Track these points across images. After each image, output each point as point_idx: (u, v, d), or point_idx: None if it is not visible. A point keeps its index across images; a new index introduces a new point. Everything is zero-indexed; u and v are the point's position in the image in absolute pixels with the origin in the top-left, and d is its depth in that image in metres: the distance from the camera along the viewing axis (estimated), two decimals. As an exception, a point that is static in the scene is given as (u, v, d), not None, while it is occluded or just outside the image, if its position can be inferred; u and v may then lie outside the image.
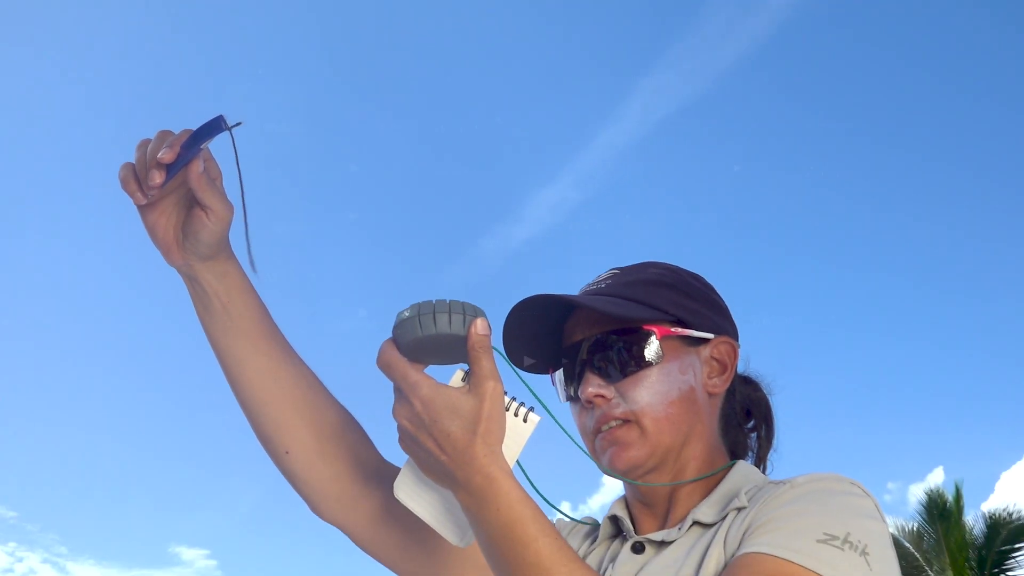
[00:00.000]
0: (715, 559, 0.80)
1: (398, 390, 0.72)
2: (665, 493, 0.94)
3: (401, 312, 0.71)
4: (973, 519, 15.87)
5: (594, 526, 1.03)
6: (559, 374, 0.96)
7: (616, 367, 0.89)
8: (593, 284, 0.97)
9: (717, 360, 0.95)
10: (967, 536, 15.56)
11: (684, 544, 0.86)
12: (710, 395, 0.94)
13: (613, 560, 0.92)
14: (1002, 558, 15.34)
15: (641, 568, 0.88)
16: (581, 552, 1.02)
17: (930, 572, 15.76)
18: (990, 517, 15.58)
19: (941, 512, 15.77)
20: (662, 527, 0.92)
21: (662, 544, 0.88)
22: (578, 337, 0.92)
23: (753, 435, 1.03)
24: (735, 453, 0.99)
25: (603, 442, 0.90)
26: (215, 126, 0.77)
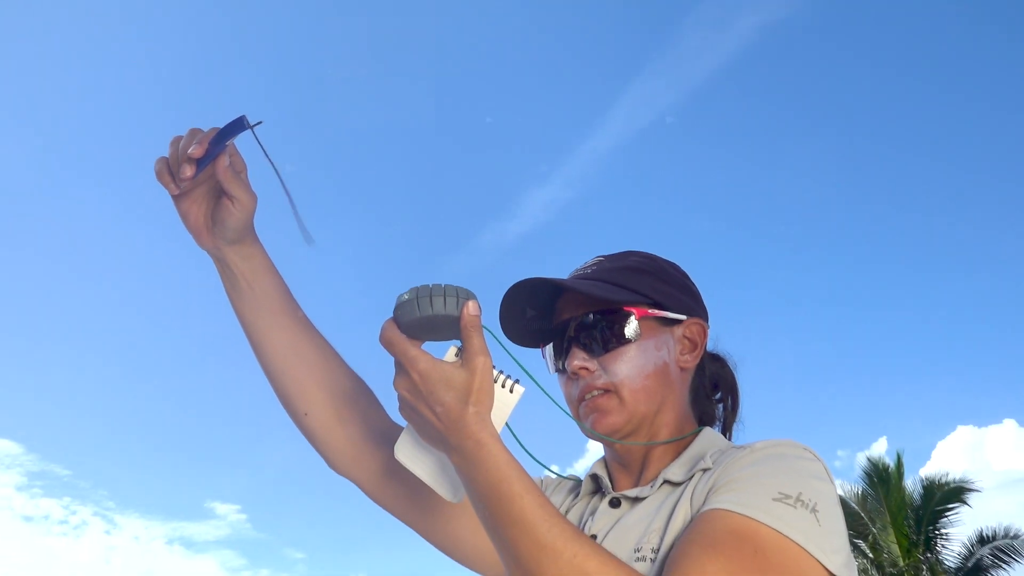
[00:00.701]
0: (682, 515, 0.86)
1: (398, 364, 0.77)
2: (639, 454, 1.00)
3: (401, 295, 0.76)
4: (912, 483, 16.36)
5: (577, 483, 1.10)
6: (549, 349, 1.03)
7: (599, 343, 0.95)
8: (581, 269, 1.03)
9: (689, 339, 1.02)
10: (906, 498, 16.00)
11: (655, 500, 0.92)
12: (682, 370, 1.01)
13: (592, 513, 0.99)
14: (936, 517, 15.78)
15: (617, 521, 0.95)
16: (564, 506, 1.09)
17: (873, 529, 16.12)
18: (926, 481, 16.10)
19: (883, 477, 16.21)
20: (636, 485, 0.99)
21: (636, 500, 0.95)
22: (566, 316, 0.98)
23: (720, 406, 1.10)
24: (703, 421, 1.06)
25: (586, 409, 0.96)
26: (238, 125, 0.84)
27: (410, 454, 0.85)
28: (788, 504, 0.79)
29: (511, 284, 0.97)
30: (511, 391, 0.80)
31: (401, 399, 0.78)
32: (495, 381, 0.77)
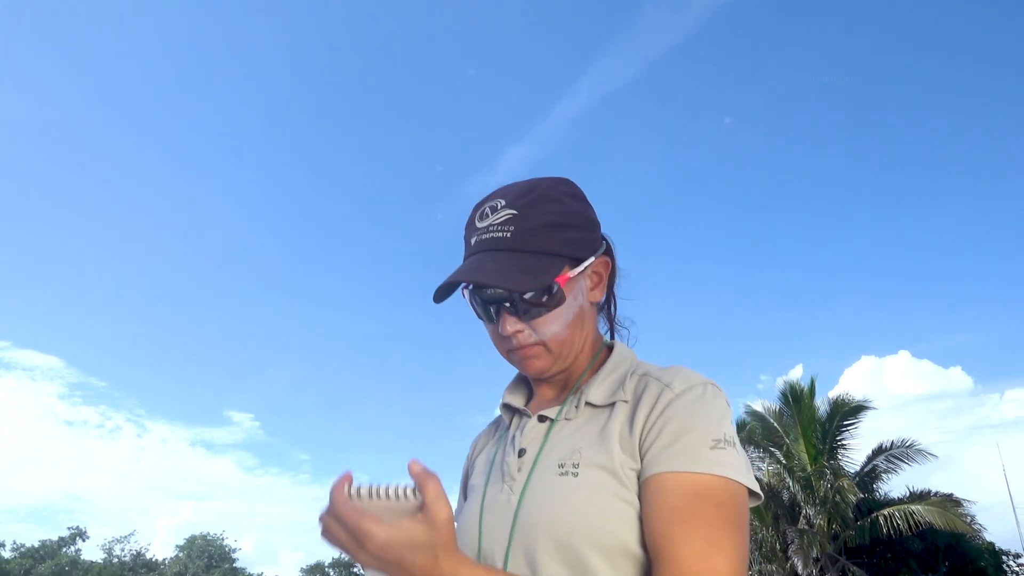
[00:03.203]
0: (604, 443, 0.91)
1: (353, 536, 0.70)
2: (561, 379, 1.05)
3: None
4: (821, 403, 17.53)
5: (499, 417, 1.14)
6: (471, 297, 1.02)
7: (528, 312, 0.97)
8: (494, 227, 0.97)
9: (596, 273, 1.04)
10: (815, 415, 17.25)
11: (579, 422, 0.98)
12: (592, 303, 1.05)
13: (521, 430, 1.03)
14: (839, 430, 17.12)
15: (546, 436, 0.99)
16: (492, 441, 1.14)
17: (787, 440, 17.29)
18: (833, 401, 17.37)
19: (797, 397, 17.36)
20: (558, 402, 1.04)
21: (562, 420, 0.99)
22: (497, 290, 0.96)
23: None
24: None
25: (517, 356, 1.01)
26: None
27: None
28: (720, 448, 0.86)
29: (443, 280, 0.96)
30: (413, 496, 0.71)
31: (365, 566, 0.74)
32: (387, 496, 0.71)
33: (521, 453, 1.00)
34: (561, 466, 0.92)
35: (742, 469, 0.87)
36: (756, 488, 0.89)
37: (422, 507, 0.71)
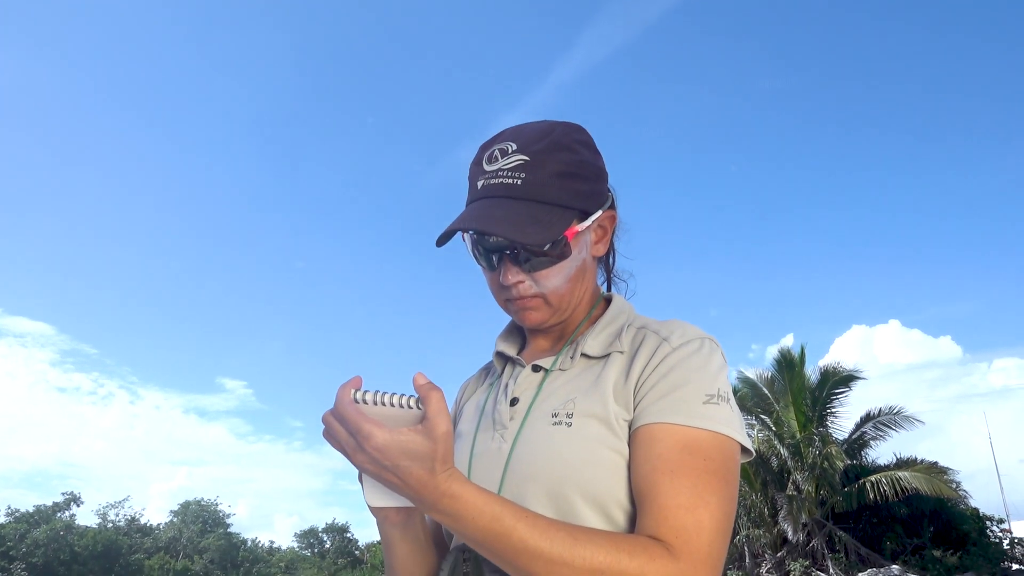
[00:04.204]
0: (599, 392, 0.90)
1: (352, 437, 0.72)
2: (557, 330, 1.04)
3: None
4: (811, 371, 17.88)
5: (490, 363, 1.12)
6: (471, 242, 0.98)
7: (531, 264, 0.95)
8: (504, 173, 0.93)
9: (601, 227, 1.01)
10: (805, 383, 17.59)
11: (574, 372, 0.96)
12: (595, 257, 1.03)
13: (514, 378, 1.01)
14: (829, 398, 17.47)
15: (540, 385, 0.97)
16: (482, 387, 1.11)
17: (777, 407, 17.68)
18: (823, 369, 17.65)
19: (789, 364, 17.72)
20: (553, 352, 1.02)
21: (558, 370, 0.98)
22: (501, 238, 0.92)
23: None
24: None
25: (515, 306, 0.99)
26: None
27: (379, 495, 0.83)
28: (714, 403, 0.85)
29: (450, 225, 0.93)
30: (418, 407, 0.73)
31: (363, 469, 0.75)
32: (391, 404, 0.73)
33: (514, 402, 0.98)
34: (555, 415, 0.91)
35: (735, 425, 0.86)
36: (748, 444, 0.88)
37: (424, 419, 0.72)
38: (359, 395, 0.73)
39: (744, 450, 0.88)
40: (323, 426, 0.75)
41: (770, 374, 18.19)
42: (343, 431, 0.73)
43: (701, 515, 0.79)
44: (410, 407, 0.73)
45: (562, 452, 0.87)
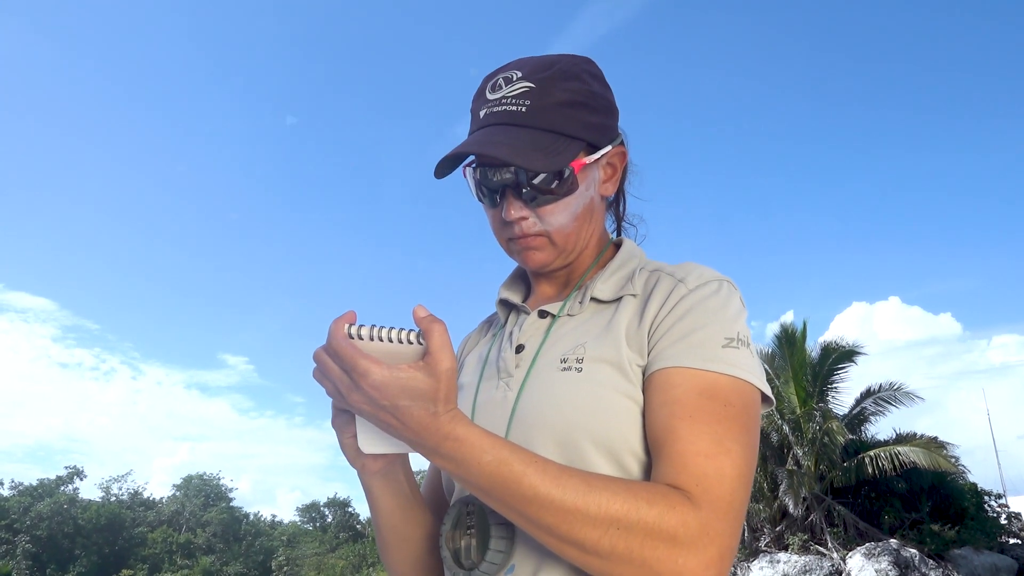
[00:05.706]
0: (611, 337, 0.85)
1: (347, 375, 0.67)
2: (563, 276, 0.99)
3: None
4: (812, 347, 17.87)
5: (494, 314, 1.08)
6: (472, 176, 0.93)
7: (536, 199, 0.89)
8: (508, 100, 0.89)
9: (610, 164, 0.96)
10: (806, 359, 17.59)
11: (583, 317, 0.91)
12: (603, 197, 0.98)
13: (519, 326, 0.96)
14: (829, 374, 17.50)
15: (547, 331, 0.92)
16: (484, 339, 1.06)
17: (778, 383, 17.56)
18: (823, 345, 17.70)
19: (790, 340, 17.75)
20: (560, 298, 0.98)
21: (566, 316, 0.93)
22: (504, 173, 0.88)
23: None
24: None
25: (518, 246, 0.93)
26: None
27: (374, 441, 0.76)
28: (734, 347, 0.81)
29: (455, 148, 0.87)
30: (419, 342, 0.68)
31: (358, 410, 0.70)
32: (390, 340, 0.67)
33: (519, 349, 0.94)
34: (564, 361, 0.86)
35: (756, 371, 0.82)
36: (768, 391, 0.84)
37: (425, 355, 0.67)
38: (354, 330, 0.67)
39: (765, 399, 0.83)
40: (315, 365, 0.70)
41: (770, 350, 18.22)
42: (336, 368, 0.68)
43: (723, 463, 0.74)
44: (410, 342, 0.68)
45: (572, 398, 0.82)
